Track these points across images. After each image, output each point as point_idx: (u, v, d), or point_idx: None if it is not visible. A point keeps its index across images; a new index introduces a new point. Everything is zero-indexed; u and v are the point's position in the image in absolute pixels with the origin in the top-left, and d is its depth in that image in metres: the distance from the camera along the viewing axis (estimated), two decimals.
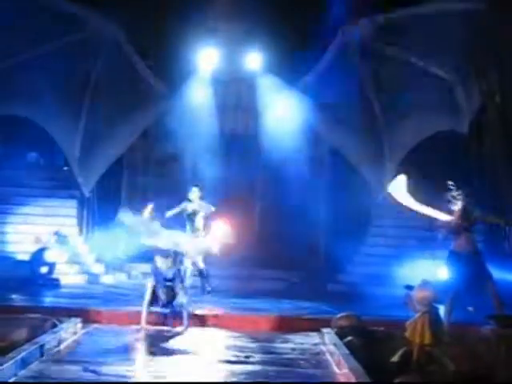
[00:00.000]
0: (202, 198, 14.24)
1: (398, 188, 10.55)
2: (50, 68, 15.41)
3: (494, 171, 16.32)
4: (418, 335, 9.15)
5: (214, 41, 16.70)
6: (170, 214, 13.80)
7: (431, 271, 12.57)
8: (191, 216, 14.17)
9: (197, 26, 16.10)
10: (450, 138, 15.75)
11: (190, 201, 14.15)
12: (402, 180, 10.45)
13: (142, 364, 8.90)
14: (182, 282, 12.00)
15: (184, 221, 14.10)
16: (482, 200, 13.85)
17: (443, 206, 11.48)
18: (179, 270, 12.06)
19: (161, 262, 11.86)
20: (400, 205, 10.73)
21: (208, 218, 13.92)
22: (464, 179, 14.41)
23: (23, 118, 16.15)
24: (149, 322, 11.59)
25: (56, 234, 16.78)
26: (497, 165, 16.24)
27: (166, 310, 11.83)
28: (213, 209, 14.07)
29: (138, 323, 11.54)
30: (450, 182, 11.43)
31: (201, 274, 14.22)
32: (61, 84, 15.72)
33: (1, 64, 15.30)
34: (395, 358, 9.07)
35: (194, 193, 14.21)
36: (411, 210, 10.93)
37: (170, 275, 11.78)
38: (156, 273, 11.85)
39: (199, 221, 14.16)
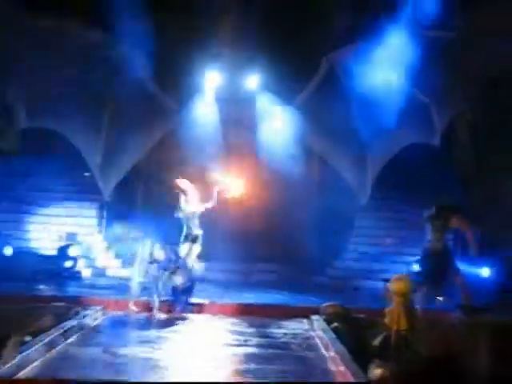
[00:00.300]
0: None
1: None
2: (75, 88, 15.48)
3: (464, 178, 16.40)
4: (395, 322, 9.21)
5: (217, 65, 16.76)
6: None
7: (406, 266, 12.63)
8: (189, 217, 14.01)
9: (203, 51, 16.17)
10: (425, 149, 15.81)
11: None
12: None
13: (153, 347, 8.95)
14: (182, 271, 12.10)
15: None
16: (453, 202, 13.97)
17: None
18: (177, 260, 12.14)
19: (159, 253, 12.00)
20: None
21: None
22: (439, 186, 14.56)
23: (51, 131, 16.21)
24: (160, 310, 11.69)
25: (69, 233, 16.95)
26: (467, 174, 16.35)
27: (172, 298, 11.97)
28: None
29: (151, 311, 11.63)
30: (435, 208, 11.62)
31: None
32: (84, 102, 15.80)
33: (36, 84, 15.46)
34: (376, 342, 9.14)
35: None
36: None
37: (170, 265, 11.93)
38: (157, 264, 11.98)
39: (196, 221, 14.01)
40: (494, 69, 14.48)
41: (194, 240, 13.69)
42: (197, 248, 13.51)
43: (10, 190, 17.51)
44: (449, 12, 13.78)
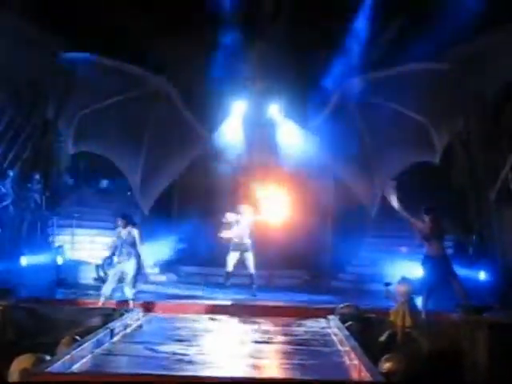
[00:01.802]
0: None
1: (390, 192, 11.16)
2: (117, 115, 15.73)
3: (461, 193, 16.39)
4: (400, 320, 9.27)
5: (243, 94, 16.95)
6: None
7: (410, 270, 12.60)
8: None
9: (230, 83, 16.36)
10: (425, 167, 15.85)
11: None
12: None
13: (188, 344, 9.02)
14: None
15: None
16: (451, 216, 14.01)
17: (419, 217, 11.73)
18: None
19: None
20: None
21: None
22: (437, 199, 14.56)
23: (97, 154, 16.45)
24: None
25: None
26: (463, 188, 16.34)
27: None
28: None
29: (185, 313, 11.74)
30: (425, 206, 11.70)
31: (251, 277, 14.32)
32: (125, 128, 16.02)
33: (80, 113, 15.70)
34: (382, 338, 9.17)
35: (246, 209, 14.41)
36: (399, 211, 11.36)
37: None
38: None
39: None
40: (486, 91, 14.61)
41: (245, 249, 14.05)
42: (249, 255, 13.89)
43: (60, 206, 17.71)
44: (446, 45, 13.91)
